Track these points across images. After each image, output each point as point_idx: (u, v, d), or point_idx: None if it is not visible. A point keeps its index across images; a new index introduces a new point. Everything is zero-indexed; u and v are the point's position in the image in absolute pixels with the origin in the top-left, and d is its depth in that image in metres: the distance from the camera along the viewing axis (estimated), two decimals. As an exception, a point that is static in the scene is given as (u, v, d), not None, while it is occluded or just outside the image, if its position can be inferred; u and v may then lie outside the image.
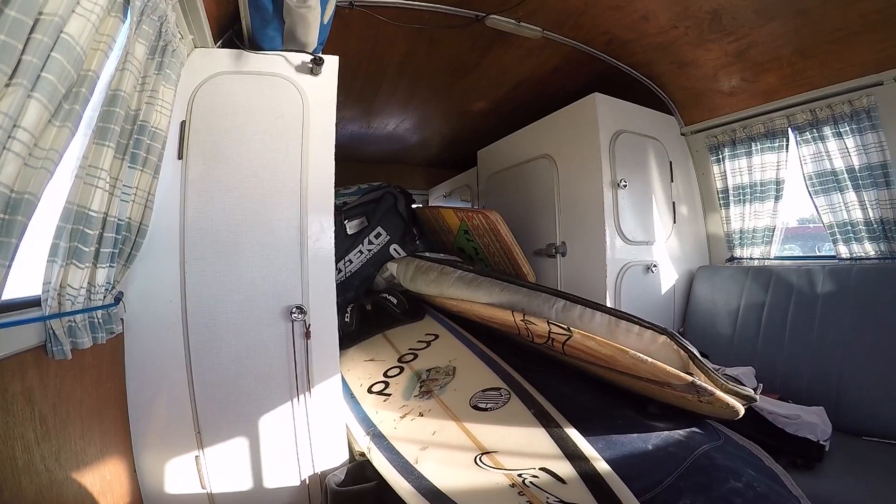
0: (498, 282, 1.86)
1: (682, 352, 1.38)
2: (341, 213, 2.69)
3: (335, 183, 1.75)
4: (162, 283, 1.56)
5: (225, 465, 1.58)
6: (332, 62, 1.78)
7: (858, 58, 2.19)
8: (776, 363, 2.30)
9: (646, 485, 1.19)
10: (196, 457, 1.56)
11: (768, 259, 2.74)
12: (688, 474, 1.23)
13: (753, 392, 1.36)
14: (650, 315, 2.63)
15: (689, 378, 1.26)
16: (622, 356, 1.33)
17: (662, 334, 1.41)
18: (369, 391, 1.79)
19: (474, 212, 2.69)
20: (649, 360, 1.28)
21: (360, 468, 1.59)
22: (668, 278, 2.81)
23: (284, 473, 1.63)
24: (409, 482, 1.29)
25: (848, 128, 2.29)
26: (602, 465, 1.18)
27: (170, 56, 1.44)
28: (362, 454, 1.57)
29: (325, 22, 1.71)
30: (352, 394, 1.80)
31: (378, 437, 1.53)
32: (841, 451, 1.77)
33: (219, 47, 1.77)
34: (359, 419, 1.67)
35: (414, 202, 3.07)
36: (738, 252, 2.88)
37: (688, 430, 1.38)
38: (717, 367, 2.20)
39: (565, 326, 1.47)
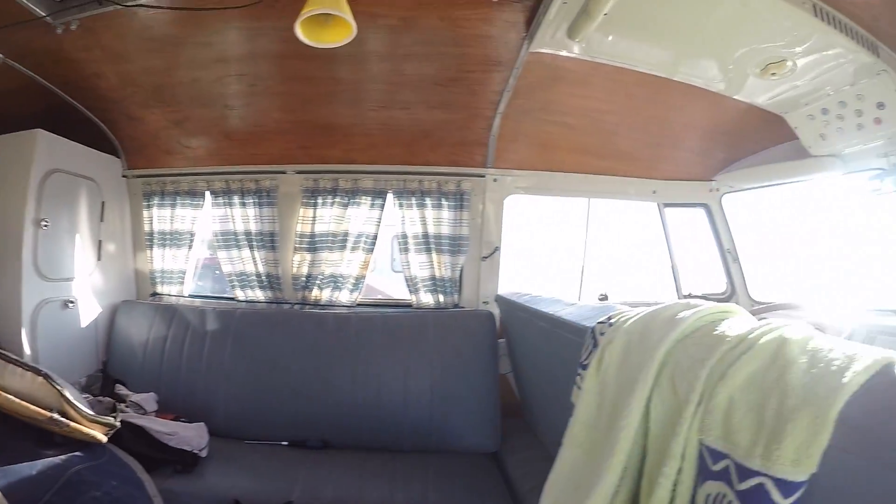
0: None
1: (55, 389, 1.67)
2: None
3: None
4: None
5: None
6: None
7: (271, 150, 2.97)
8: (176, 387, 2.73)
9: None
10: None
11: (182, 297, 3.22)
12: (59, 490, 1.51)
13: (114, 420, 1.82)
14: (73, 347, 2.82)
15: (49, 414, 1.58)
16: (-5, 397, 1.51)
17: (39, 375, 1.66)
18: None
19: None
20: (15, 399, 1.53)
21: None
22: (91, 312, 2.92)
23: None
24: None
25: (252, 200, 3.00)
26: (-11, 493, 1.32)
27: None
28: None
29: None
30: None
31: None
32: (221, 454, 2.29)
33: None
34: None
35: None
36: (159, 289, 3.23)
37: (70, 454, 1.66)
38: (127, 393, 2.60)
39: None
